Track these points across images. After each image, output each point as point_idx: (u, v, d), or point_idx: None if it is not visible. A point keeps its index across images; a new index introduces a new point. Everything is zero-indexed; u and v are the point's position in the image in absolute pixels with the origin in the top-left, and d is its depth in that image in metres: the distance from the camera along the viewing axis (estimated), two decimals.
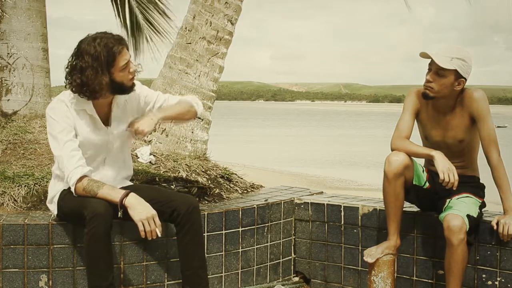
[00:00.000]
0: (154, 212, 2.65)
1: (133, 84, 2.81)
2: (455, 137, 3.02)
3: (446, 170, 2.81)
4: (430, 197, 3.09)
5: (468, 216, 2.82)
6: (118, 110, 2.86)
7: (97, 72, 2.65)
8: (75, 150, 2.71)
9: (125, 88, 2.78)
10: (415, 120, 3.12)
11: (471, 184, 3.06)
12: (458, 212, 2.82)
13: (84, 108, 2.78)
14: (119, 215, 2.66)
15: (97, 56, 2.64)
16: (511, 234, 2.83)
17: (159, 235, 2.66)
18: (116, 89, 2.76)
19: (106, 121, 2.85)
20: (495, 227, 2.88)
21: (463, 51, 2.95)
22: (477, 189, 3.07)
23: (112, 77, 2.70)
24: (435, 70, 2.94)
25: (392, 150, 3.01)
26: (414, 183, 3.04)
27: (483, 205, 3.05)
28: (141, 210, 2.63)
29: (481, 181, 3.13)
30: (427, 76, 2.98)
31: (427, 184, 3.06)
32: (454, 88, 2.96)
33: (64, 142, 2.71)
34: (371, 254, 3.02)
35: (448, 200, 2.99)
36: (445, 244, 2.82)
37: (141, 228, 2.63)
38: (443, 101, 3.01)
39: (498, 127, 50.00)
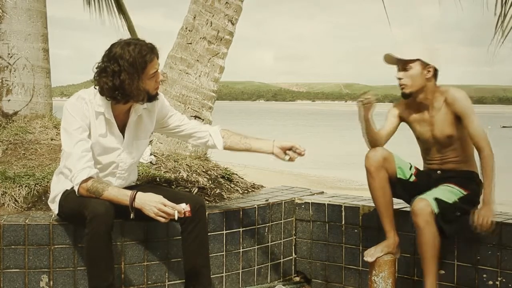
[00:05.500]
0: (161, 199, 2.64)
1: (157, 93, 2.84)
2: (442, 132, 3.04)
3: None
4: (417, 190, 3.05)
5: (436, 199, 2.84)
6: (135, 117, 2.86)
7: (133, 78, 2.67)
8: (86, 151, 2.70)
9: (150, 97, 2.79)
10: (409, 126, 3.17)
11: (460, 176, 3.04)
12: (424, 196, 2.87)
13: (103, 112, 2.77)
14: (131, 217, 2.66)
15: (132, 62, 2.65)
16: (486, 226, 2.82)
17: (177, 217, 2.64)
18: None
19: (122, 128, 2.85)
20: (475, 221, 2.86)
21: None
22: (463, 179, 3.03)
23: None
24: (402, 66, 3.03)
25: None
26: (398, 176, 3.06)
27: (469, 197, 2.99)
28: (151, 205, 2.62)
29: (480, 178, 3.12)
30: (397, 75, 3.05)
31: (413, 177, 3.09)
32: (425, 78, 3.00)
33: (77, 141, 2.69)
34: (370, 253, 3.04)
35: None
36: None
37: (162, 220, 2.63)
38: (421, 97, 3.05)
39: (504, 127, 49.76)
